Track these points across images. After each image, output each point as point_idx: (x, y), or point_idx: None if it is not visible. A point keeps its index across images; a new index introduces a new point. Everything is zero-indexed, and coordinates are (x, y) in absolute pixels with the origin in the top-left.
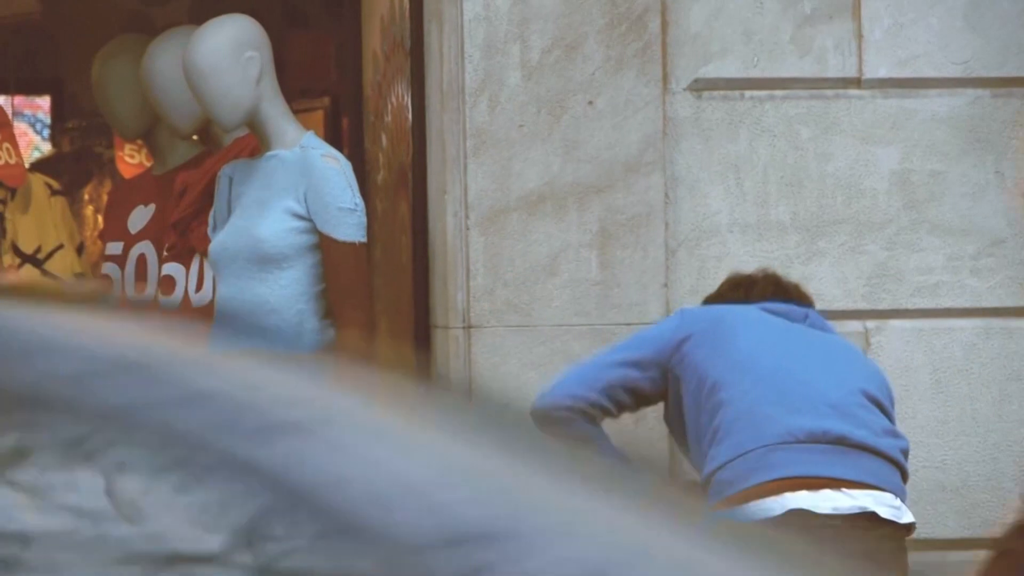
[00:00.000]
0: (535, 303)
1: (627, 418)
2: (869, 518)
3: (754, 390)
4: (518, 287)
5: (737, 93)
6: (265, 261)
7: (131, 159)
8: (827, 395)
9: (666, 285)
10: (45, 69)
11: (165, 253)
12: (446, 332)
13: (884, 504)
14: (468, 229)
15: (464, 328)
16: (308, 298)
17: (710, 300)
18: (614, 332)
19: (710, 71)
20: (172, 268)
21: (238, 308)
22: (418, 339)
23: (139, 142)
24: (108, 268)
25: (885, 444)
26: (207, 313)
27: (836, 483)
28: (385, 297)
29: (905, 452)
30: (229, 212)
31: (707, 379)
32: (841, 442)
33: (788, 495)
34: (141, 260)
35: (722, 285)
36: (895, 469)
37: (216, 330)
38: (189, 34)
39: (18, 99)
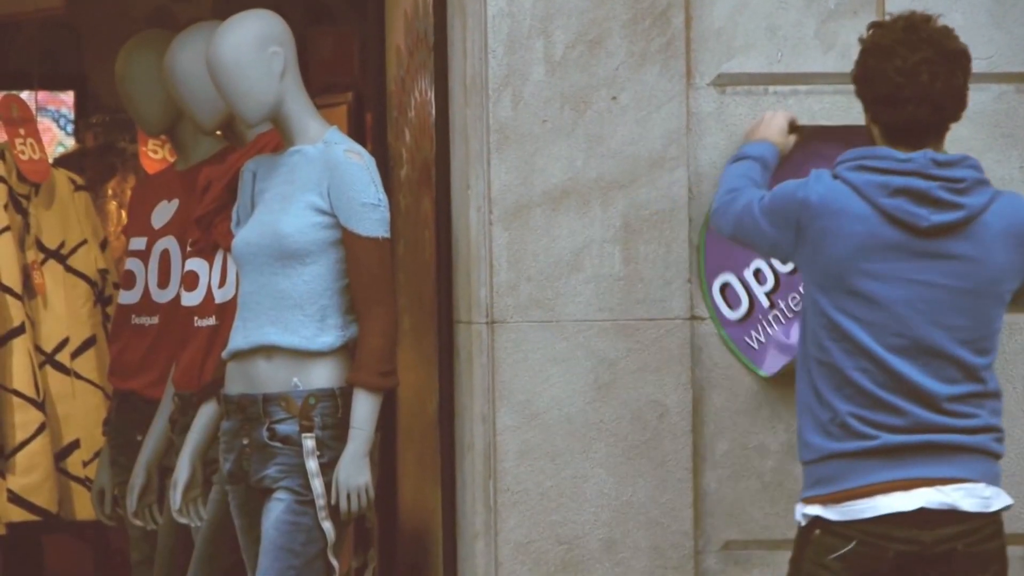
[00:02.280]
0: (558, 298)
1: (650, 413)
2: (958, 512)
3: (854, 385)
4: (541, 282)
5: (761, 88)
6: (288, 256)
7: (155, 155)
8: (920, 416)
9: (690, 280)
10: (69, 64)
11: (189, 248)
12: (469, 327)
13: (975, 495)
14: (491, 224)
15: (487, 323)
16: (331, 293)
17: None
18: (637, 327)
19: (734, 66)
20: (195, 263)
21: (261, 303)
22: (441, 334)
23: (163, 138)
24: (131, 263)
25: (979, 440)
26: (230, 309)
27: (930, 482)
28: (408, 292)
29: (1000, 439)
30: (252, 207)
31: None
32: (936, 448)
33: (880, 497)
34: (164, 255)
35: (866, 61)
36: (987, 457)
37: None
38: (213, 29)
39: (42, 94)
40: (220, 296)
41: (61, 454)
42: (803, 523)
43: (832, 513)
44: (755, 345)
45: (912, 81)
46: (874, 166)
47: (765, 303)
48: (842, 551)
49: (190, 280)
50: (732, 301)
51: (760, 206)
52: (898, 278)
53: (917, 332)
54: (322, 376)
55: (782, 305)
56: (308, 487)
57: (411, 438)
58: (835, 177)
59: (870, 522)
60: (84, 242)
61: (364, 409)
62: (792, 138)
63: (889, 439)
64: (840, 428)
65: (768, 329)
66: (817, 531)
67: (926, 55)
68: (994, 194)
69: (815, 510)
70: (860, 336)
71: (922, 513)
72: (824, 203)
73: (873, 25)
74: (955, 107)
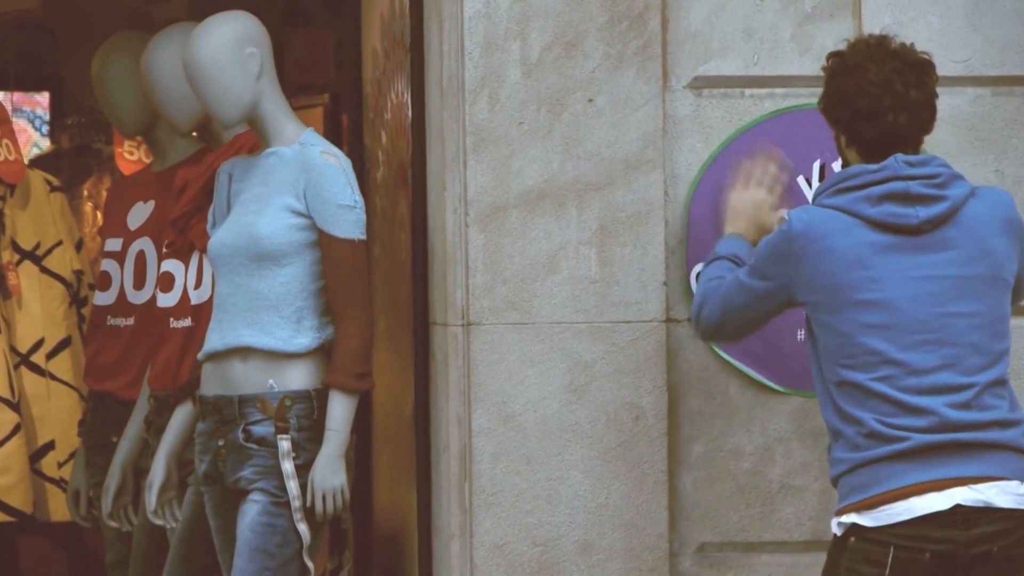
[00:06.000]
0: (534, 300)
1: (625, 416)
2: (993, 509)
3: (876, 391)
4: (517, 284)
5: (737, 91)
6: (264, 258)
7: (131, 156)
8: (947, 415)
9: (665, 283)
10: (45, 65)
11: (164, 250)
12: (445, 329)
13: (1009, 492)
14: (467, 226)
15: (463, 325)
16: (307, 295)
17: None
18: (613, 330)
19: (710, 69)
20: (171, 265)
21: (236, 305)
22: (417, 336)
23: (139, 139)
24: (107, 265)
25: (1010, 436)
26: (206, 310)
27: (963, 481)
28: (384, 294)
29: None
30: (228, 209)
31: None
32: (967, 446)
33: (915, 499)
34: (140, 257)
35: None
36: (1018, 455)
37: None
38: (189, 30)
39: (17, 95)
40: (196, 297)
41: (36, 455)
42: (839, 533)
43: (868, 519)
44: None
45: (888, 91)
46: (851, 185)
47: None
48: (883, 563)
49: (166, 281)
50: None
51: (746, 272)
52: (901, 278)
53: (932, 325)
54: (298, 378)
55: None
56: (283, 489)
57: (387, 440)
58: (818, 207)
59: (906, 525)
60: (59, 243)
61: (340, 411)
62: (776, 216)
63: (921, 439)
64: (867, 438)
65: None
66: (852, 539)
67: (895, 66)
68: (972, 187)
69: (851, 518)
70: (876, 343)
71: (958, 511)
72: (811, 228)
73: (832, 55)
74: (929, 116)
